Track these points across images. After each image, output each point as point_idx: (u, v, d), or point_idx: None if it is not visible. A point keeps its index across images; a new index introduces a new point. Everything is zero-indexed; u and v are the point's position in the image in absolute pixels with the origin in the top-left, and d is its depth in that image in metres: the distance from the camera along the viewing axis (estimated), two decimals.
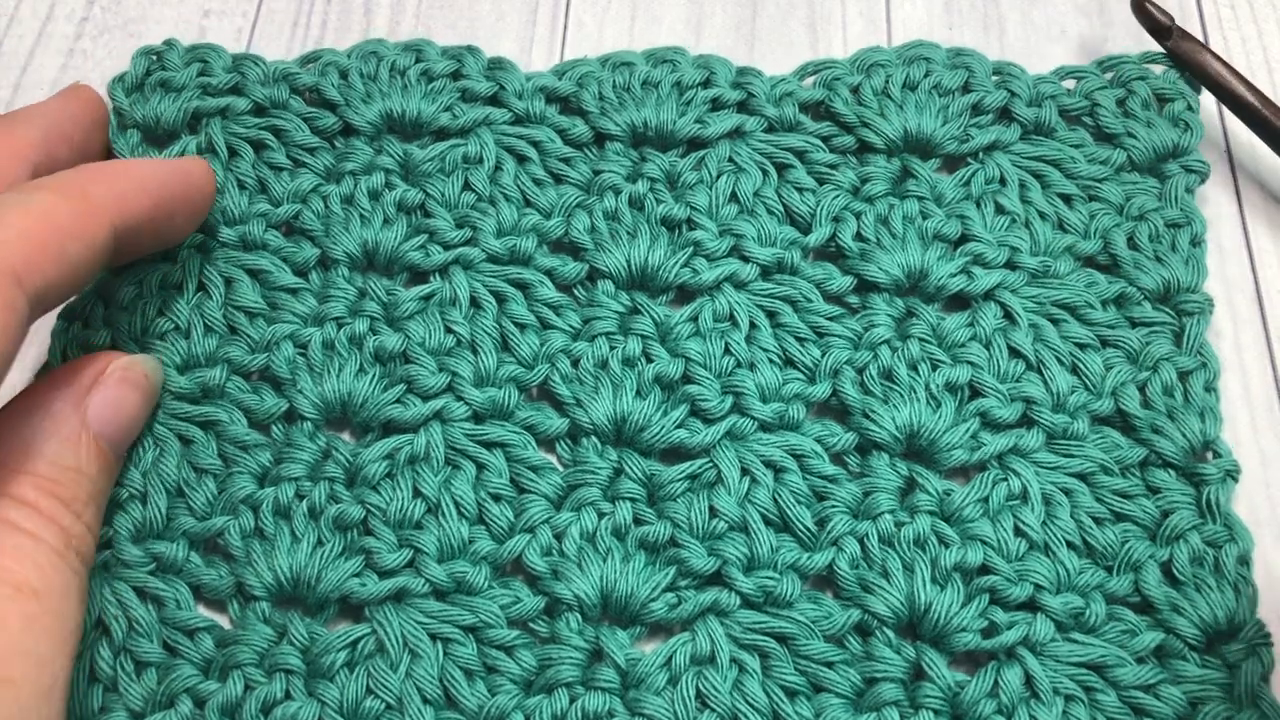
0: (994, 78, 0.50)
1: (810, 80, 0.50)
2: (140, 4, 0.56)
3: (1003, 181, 0.48)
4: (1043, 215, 0.47)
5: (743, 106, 0.49)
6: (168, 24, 0.55)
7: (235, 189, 0.47)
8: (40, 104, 0.45)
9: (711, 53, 0.51)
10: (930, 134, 0.48)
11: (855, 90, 0.49)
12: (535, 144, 0.48)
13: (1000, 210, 0.47)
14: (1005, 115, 0.49)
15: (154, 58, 0.49)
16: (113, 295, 0.45)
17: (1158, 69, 0.50)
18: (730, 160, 0.48)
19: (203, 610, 0.42)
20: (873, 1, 0.56)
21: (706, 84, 0.49)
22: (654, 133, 0.48)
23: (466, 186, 0.47)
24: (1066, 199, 0.48)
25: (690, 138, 0.48)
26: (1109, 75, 0.50)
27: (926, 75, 0.49)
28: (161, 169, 0.42)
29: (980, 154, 0.49)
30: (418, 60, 0.50)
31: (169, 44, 0.49)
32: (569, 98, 0.49)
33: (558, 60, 0.54)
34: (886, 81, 0.49)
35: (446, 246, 0.46)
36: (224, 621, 0.42)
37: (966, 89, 0.49)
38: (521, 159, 0.48)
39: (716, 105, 0.49)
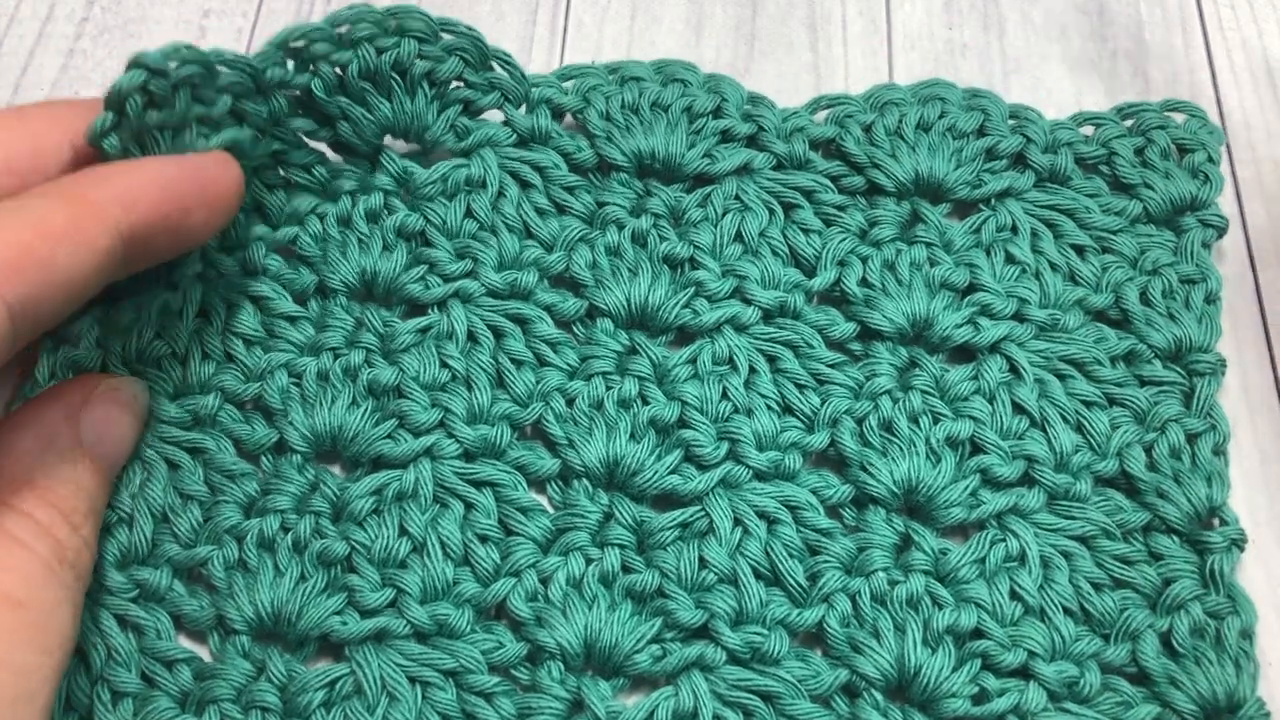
0: (1010, 122, 0.49)
1: (822, 115, 0.49)
2: (140, 4, 0.55)
3: (1014, 230, 0.47)
4: (1054, 266, 0.46)
5: (752, 141, 0.48)
6: (168, 24, 0.54)
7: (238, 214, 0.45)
8: (67, 104, 0.41)
9: (719, 71, 0.51)
10: (942, 178, 0.47)
11: (868, 129, 0.48)
12: (540, 169, 0.47)
13: (1010, 259, 0.46)
14: (1020, 161, 0.48)
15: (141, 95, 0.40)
16: (109, 319, 0.43)
17: (1179, 117, 0.49)
18: (737, 198, 0.47)
19: (183, 641, 0.41)
20: (873, 1, 0.55)
21: (718, 113, 0.48)
22: (660, 164, 0.47)
23: (469, 214, 0.46)
24: (1079, 250, 0.47)
25: (698, 173, 0.47)
26: (1128, 123, 0.49)
27: (941, 116, 0.48)
28: (175, 166, 0.39)
29: (992, 200, 0.48)
30: (420, 56, 0.46)
31: (143, 68, 0.38)
32: (575, 113, 0.48)
33: (558, 60, 0.53)
34: (900, 121, 0.48)
35: (446, 279, 0.45)
36: (204, 653, 0.41)
37: (981, 132, 0.48)
38: (525, 184, 0.47)
39: (726, 137, 0.48)
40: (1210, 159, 0.48)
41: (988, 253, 0.47)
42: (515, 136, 0.47)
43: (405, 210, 0.46)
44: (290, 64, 0.44)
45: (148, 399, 0.43)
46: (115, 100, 0.38)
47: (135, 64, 0.38)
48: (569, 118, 0.49)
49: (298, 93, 0.45)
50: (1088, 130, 0.49)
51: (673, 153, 0.47)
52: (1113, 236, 0.47)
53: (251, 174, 0.44)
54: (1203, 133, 0.48)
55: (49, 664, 0.34)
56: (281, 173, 0.46)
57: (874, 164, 0.47)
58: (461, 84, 0.47)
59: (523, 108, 0.48)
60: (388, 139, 0.47)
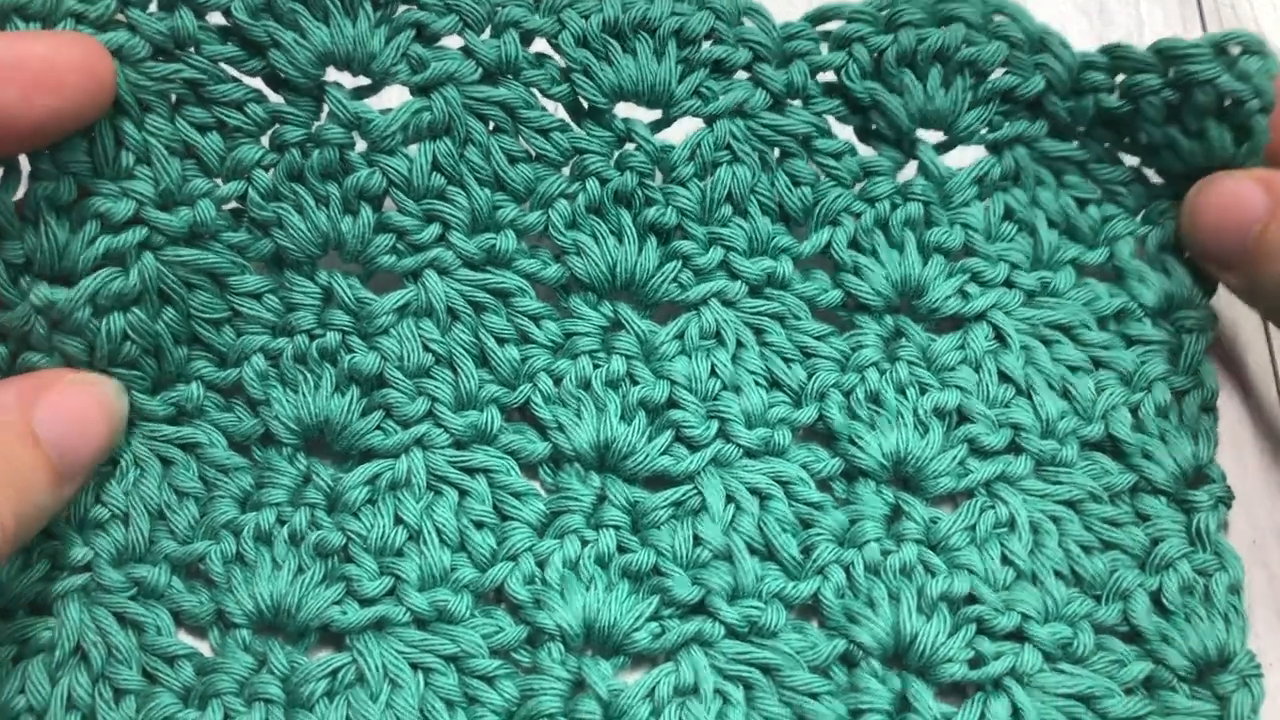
0: (1038, 56, 0.43)
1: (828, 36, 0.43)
2: None
3: (1017, 179, 0.45)
4: (1052, 222, 0.45)
5: (747, 69, 0.43)
6: None
7: (164, 157, 0.40)
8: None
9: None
10: (944, 110, 0.43)
11: (878, 57, 0.43)
12: (510, 110, 0.42)
13: (1009, 215, 0.45)
14: (1035, 105, 0.44)
15: None
16: (64, 318, 0.40)
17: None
18: (727, 147, 0.43)
19: (183, 637, 0.41)
20: None
21: (710, 36, 0.42)
22: (645, 99, 0.43)
23: (435, 167, 0.42)
24: (1081, 203, 0.45)
25: (688, 112, 0.43)
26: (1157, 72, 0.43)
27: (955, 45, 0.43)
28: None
29: (1001, 146, 0.44)
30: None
31: None
32: (548, 38, 0.42)
33: None
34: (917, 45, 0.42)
35: (418, 248, 0.43)
36: (205, 649, 0.41)
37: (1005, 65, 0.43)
38: (496, 129, 0.43)
39: (719, 67, 0.43)
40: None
41: (986, 208, 0.44)
42: (480, 70, 0.42)
43: (365, 169, 0.42)
44: None
45: (125, 403, 0.41)
46: None
47: None
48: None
49: (220, 17, 0.40)
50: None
51: (659, 89, 0.42)
52: (1120, 189, 0.45)
53: (169, 109, 0.40)
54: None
55: None
56: (209, 113, 0.41)
57: (875, 102, 0.43)
58: (412, 5, 0.41)
59: (486, 32, 0.42)
60: (331, 72, 0.42)
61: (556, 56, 0.42)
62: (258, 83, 0.42)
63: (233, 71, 0.41)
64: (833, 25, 0.43)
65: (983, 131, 0.44)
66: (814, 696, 0.40)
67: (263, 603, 0.41)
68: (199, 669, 0.40)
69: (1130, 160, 0.45)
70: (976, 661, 0.40)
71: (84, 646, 0.40)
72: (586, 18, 0.41)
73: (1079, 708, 0.40)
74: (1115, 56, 0.42)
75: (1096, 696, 0.40)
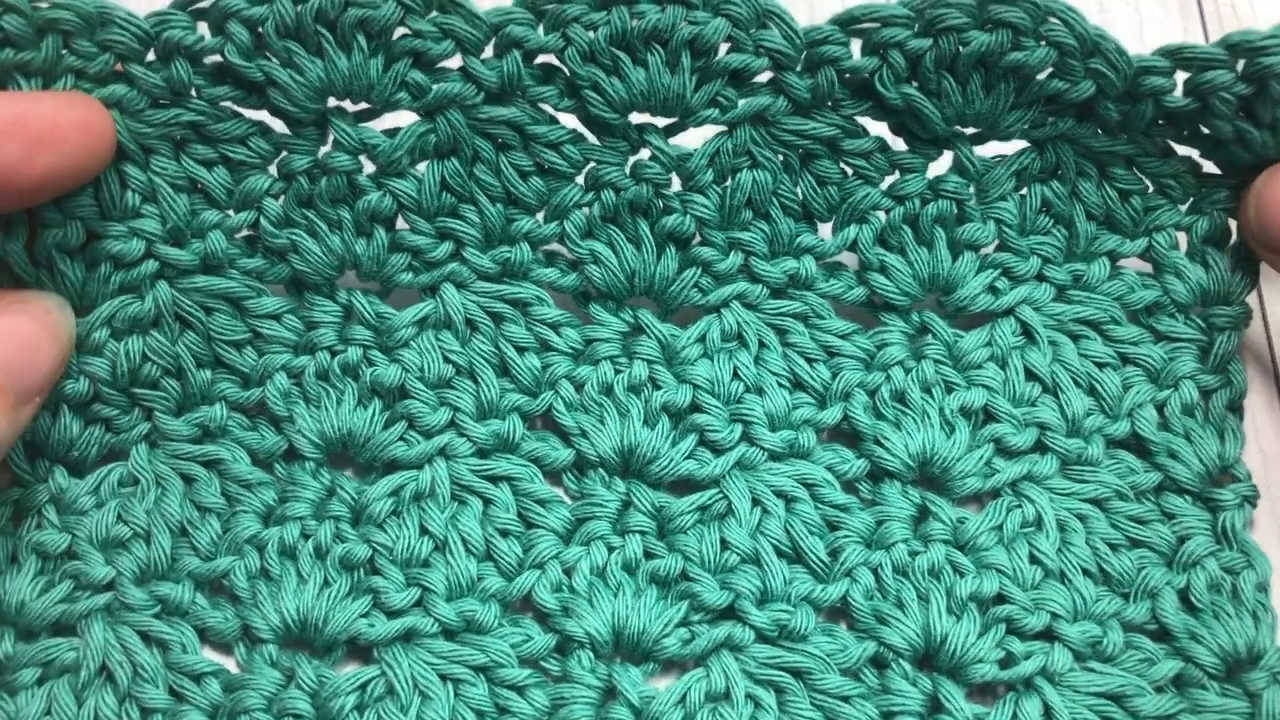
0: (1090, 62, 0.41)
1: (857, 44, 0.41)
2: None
3: (1058, 173, 0.43)
4: (1090, 214, 0.44)
5: (771, 81, 0.41)
6: None
7: (170, 194, 0.41)
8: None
9: None
10: (984, 113, 0.42)
11: (915, 61, 0.41)
12: (518, 128, 0.42)
13: (1046, 208, 0.44)
14: (1088, 108, 0.42)
15: None
16: (82, 341, 0.41)
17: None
18: (747, 153, 0.42)
19: (209, 654, 0.41)
20: None
21: (728, 44, 0.41)
22: (659, 109, 0.41)
23: (444, 187, 0.42)
24: (1124, 195, 0.44)
25: (706, 121, 0.42)
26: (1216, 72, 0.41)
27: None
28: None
29: (1047, 145, 0.43)
30: (346, 4, 0.39)
31: (5, 5, 0.37)
32: (553, 53, 0.41)
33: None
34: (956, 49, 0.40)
35: (433, 265, 0.43)
36: (231, 665, 0.41)
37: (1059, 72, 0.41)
38: (503, 146, 0.42)
39: (737, 77, 0.41)
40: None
41: (1023, 199, 0.44)
42: (482, 94, 0.41)
43: (374, 191, 0.42)
44: (196, 26, 0.39)
45: (69, 317, 0.40)
46: None
47: None
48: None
49: (219, 57, 0.40)
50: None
51: (673, 98, 0.41)
52: (1170, 180, 0.43)
53: (173, 149, 0.41)
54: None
55: None
56: (214, 149, 0.41)
57: (912, 108, 0.41)
58: (407, 31, 0.40)
59: (489, 49, 0.41)
60: (332, 100, 0.41)
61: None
62: (263, 113, 0.42)
63: (235, 108, 0.41)
64: (865, 25, 0.41)
65: (1025, 129, 0.42)
66: (845, 699, 0.40)
67: (289, 617, 0.40)
68: (226, 686, 0.40)
69: (1182, 150, 0.44)
70: (1007, 661, 0.40)
71: (109, 666, 0.40)
72: (593, 30, 0.40)
73: (1110, 706, 0.40)
74: (1179, 57, 0.41)
75: (1127, 695, 0.40)
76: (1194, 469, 0.43)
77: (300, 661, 0.40)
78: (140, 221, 0.41)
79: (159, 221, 0.41)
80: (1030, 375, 0.44)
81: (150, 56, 0.40)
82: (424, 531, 0.42)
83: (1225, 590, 0.41)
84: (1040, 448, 0.43)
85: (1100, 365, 0.44)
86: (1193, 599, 0.41)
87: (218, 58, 0.40)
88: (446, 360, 0.43)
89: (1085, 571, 0.41)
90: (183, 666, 0.40)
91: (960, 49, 0.40)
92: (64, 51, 0.38)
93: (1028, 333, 0.44)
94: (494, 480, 0.43)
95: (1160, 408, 0.43)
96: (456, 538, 0.42)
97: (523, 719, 0.40)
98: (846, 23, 0.40)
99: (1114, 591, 0.42)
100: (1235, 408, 0.44)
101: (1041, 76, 0.41)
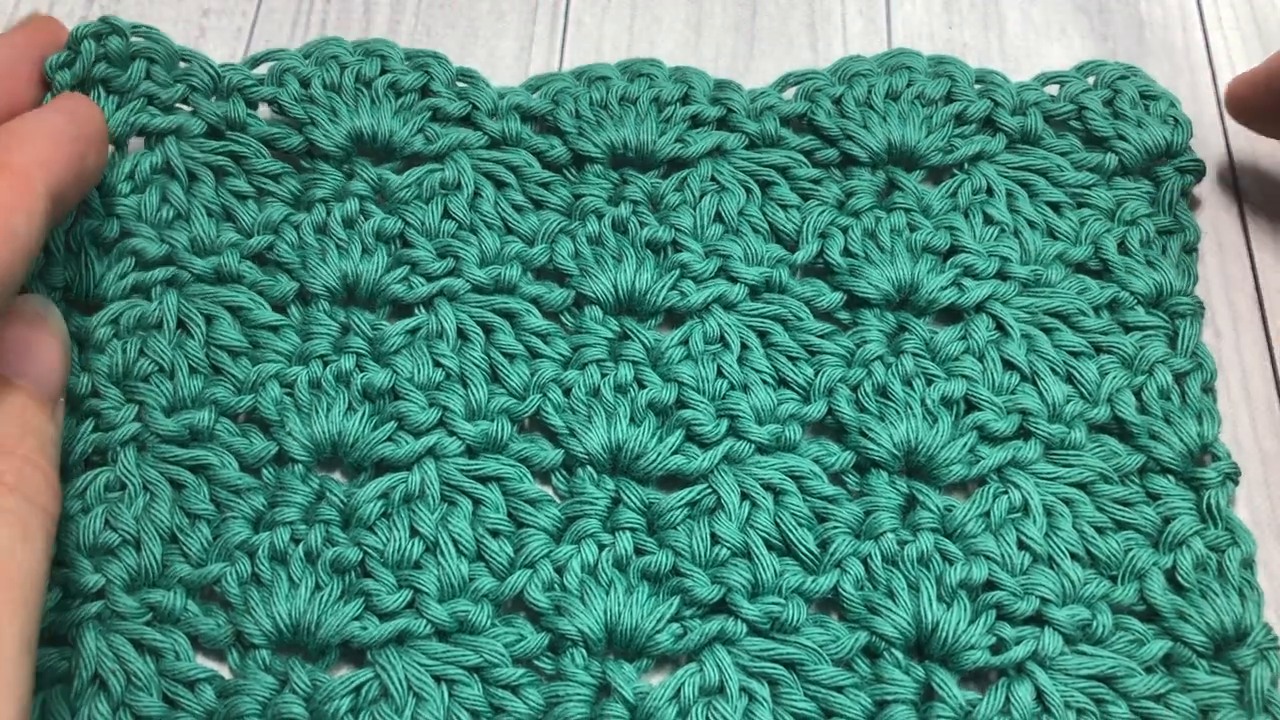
0: (977, 86, 0.50)
1: (791, 92, 0.50)
2: (139, 4, 0.55)
3: (990, 191, 0.48)
4: (1032, 224, 0.47)
5: (723, 123, 0.49)
6: (167, 24, 0.53)
7: (203, 216, 0.46)
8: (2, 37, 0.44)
9: (692, 63, 0.51)
10: (914, 145, 0.48)
11: (837, 101, 0.49)
12: (513, 169, 0.48)
13: (989, 220, 0.47)
14: (990, 124, 0.49)
15: (97, 42, 0.46)
16: (87, 337, 0.44)
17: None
18: (713, 179, 0.48)
19: (202, 660, 0.41)
20: (873, 1, 0.56)
21: (685, 100, 0.49)
22: (634, 152, 0.48)
23: (446, 214, 0.47)
24: (1055, 206, 0.48)
25: (671, 158, 0.48)
26: (1091, 79, 0.50)
27: (909, 85, 0.49)
28: (63, 117, 0.40)
29: (965, 164, 0.48)
30: (383, 71, 0.49)
31: (108, 24, 0.46)
32: (545, 116, 0.49)
33: (558, 59, 0.53)
34: (869, 91, 0.49)
35: (430, 278, 0.46)
36: (224, 671, 0.41)
37: (949, 99, 0.49)
38: (500, 184, 0.48)
39: (696, 122, 0.48)
40: (1173, 104, 0.49)
41: (965, 215, 0.47)
42: (487, 139, 0.48)
43: (382, 214, 0.46)
44: (255, 72, 0.47)
45: (59, 316, 0.41)
46: (73, 39, 0.45)
47: (102, 20, 0.46)
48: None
49: (267, 102, 0.48)
50: (1053, 89, 0.50)
51: (645, 140, 0.48)
52: (1087, 191, 0.48)
53: (214, 178, 0.47)
54: (1158, 85, 0.50)
55: (8, 604, 0.32)
56: (248, 183, 0.47)
57: (846, 135, 0.48)
58: (431, 94, 0.48)
59: (493, 118, 0.48)
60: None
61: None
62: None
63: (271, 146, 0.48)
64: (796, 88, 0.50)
65: (944, 153, 0.48)
66: (839, 690, 0.40)
67: (281, 622, 0.40)
68: (220, 692, 0.40)
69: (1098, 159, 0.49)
70: (998, 647, 0.40)
71: (102, 675, 0.40)
72: (576, 99, 0.48)
73: (1101, 688, 0.40)
74: (1048, 80, 0.50)
75: (1118, 676, 0.40)
76: (1175, 449, 0.43)
77: (294, 666, 0.40)
78: (170, 231, 0.46)
79: (186, 236, 0.46)
80: (1008, 365, 0.45)
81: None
82: (414, 533, 0.42)
83: (1211, 569, 0.42)
84: (1023, 433, 0.44)
85: (1075, 354, 0.45)
86: (1180, 578, 0.41)
87: (265, 100, 0.48)
88: (437, 365, 0.44)
89: (1073, 555, 0.42)
90: (176, 673, 0.40)
91: (870, 89, 0.49)
92: (144, 78, 0.46)
93: (1001, 327, 0.45)
94: (483, 480, 0.43)
95: (1137, 392, 0.44)
96: (447, 538, 0.42)
97: (518, 718, 0.40)
98: (781, 85, 0.50)
99: (1102, 574, 0.42)
100: (1208, 389, 0.45)
101: (947, 106, 0.49)
